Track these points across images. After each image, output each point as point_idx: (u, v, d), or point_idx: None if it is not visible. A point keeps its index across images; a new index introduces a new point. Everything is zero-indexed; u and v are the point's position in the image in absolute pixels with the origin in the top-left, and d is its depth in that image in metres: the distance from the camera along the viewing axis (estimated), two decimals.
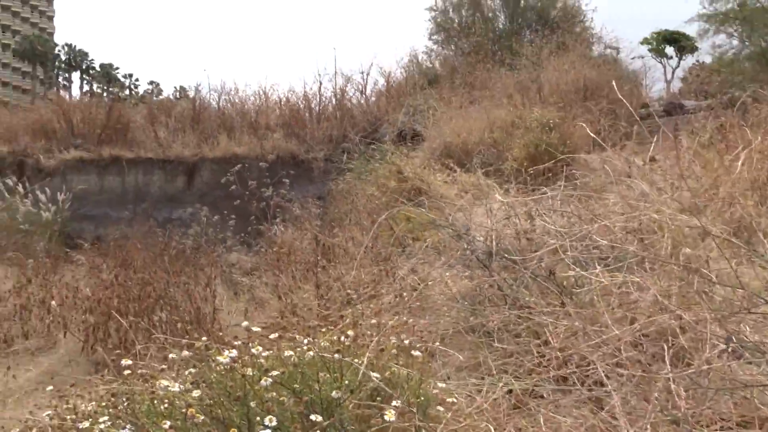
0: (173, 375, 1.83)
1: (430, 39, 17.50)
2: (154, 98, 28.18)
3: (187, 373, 1.77)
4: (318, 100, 13.01)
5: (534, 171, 5.84)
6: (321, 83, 13.17)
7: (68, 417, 1.99)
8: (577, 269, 2.91)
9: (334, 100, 12.94)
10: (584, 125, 6.74)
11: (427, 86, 12.46)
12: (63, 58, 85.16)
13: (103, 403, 1.90)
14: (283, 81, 62.73)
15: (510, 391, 2.33)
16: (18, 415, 3.94)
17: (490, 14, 17.91)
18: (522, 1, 17.77)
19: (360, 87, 13.18)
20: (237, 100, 13.99)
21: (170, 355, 1.96)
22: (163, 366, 2.17)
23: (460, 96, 11.10)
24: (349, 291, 4.50)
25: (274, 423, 1.45)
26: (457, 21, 17.76)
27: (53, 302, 5.27)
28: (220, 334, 4.01)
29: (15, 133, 14.47)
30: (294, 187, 8.47)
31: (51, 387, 2.74)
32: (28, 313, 5.51)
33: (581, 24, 17.17)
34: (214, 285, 5.12)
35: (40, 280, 5.98)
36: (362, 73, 13.30)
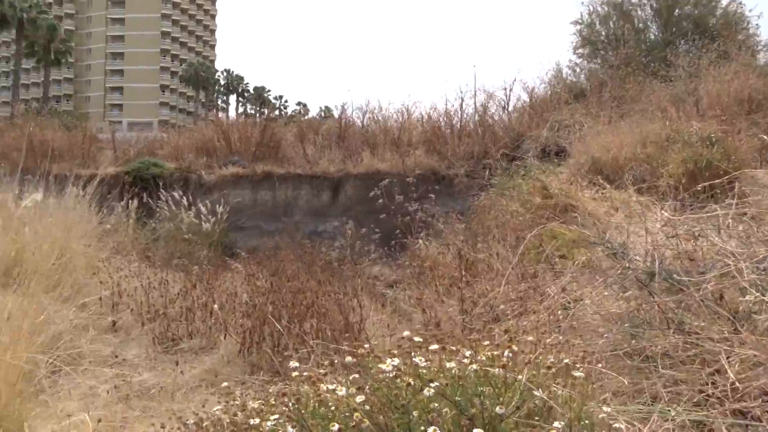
0: (337, 379, 1.90)
1: (574, 53, 17.01)
2: (302, 118, 29.76)
3: (351, 378, 1.83)
4: (459, 116, 13.08)
5: (695, 188, 5.44)
6: (462, 100, 13.20)
7: (238, 413, 2.12)
8: (756, 293, 2.66)
9: (476, 116, 12.93)
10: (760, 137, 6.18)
11: (572, 101, 12.08)
12: (222, 82, 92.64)
13: (272, 401, 2.02)
14: (425, 98, 64.08)
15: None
16: (185, 408, 4.28)
17: (640, 25, 17.08)
18: (676, 10, 16.78)
19: (502, 103, 13.07)
20: (380, 118, 14.41)
21: (335, 360, 2.04)
22: (322, 370, 2.25)
23: (609, 110, 10.64)
24: (496, 306, 4.43)
25: None
26: (604, 33, 17.12)
27: (215, 306, 5.68)
28: (368, 344, 4.12)
29: (181, 151, 15.89)
30: (436, 203, 8.55)
31: (225, 383, 2.94)
32: (193, 315, 5.98)
33: (744, 31, 15.89)
34: (361, 296, 5.27)
35: (203, 285, 6.48)
36: (504, 89, 13.19)
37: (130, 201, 11.73)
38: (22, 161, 14.43)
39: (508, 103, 13.08)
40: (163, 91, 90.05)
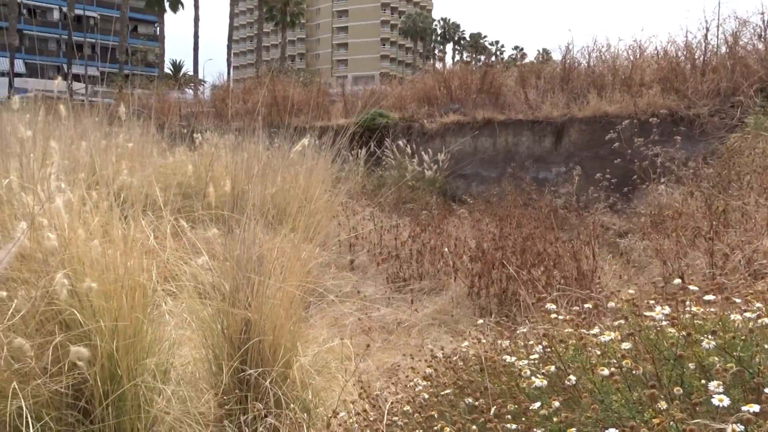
0: (599, 324, 1.84)
1: None
2: (520, 62, 28.85)
3: (616, 324, 1.75)
4: (703, 48, 11.62)
5: None
6: (707, 29, 11.66)
7: (487, 350, 2.16)
8: None
9: (724, 47, 11.40)
10: None
11: None
12: (438, 31, 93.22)
13: (520, 342, 2.03)
14: (661, 32, 58.40)
15: None
16: (421, 343, 4.51)
17: None
18: None
19: (758, 30, 11.32)
20: (608, 57, 13.39)
21: (577, 306, 1.97)
22: (570, 316, 2.19)
23: None
24: (753, 261, 3.96)
25: (721, 390, 1.32)
26: None
27: (445, 249, 5.85)
28: (603, 293, 3.94)
29: (404, 101, 16.41)
30: (674, 146, 7.79)
31: (480, 321, 3.01)
32: (422, 258, 6.24)
33: None
34: (594, 244, 5.04)
35: (431, 229, 6.71)
36: (761, 13, 11.39)
37: (358, 150, 12.48)
38: (267, 116, 16.04)
39: (765, 31, 11.30)
40: (384, 44, 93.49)
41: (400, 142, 13.51)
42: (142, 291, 2.69)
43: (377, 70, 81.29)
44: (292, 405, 2.32)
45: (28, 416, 2.02)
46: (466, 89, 15.07)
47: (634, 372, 1.44)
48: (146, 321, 2.67)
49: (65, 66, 54.39)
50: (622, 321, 1.63)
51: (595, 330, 1.79)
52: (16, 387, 2.09)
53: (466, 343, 2.44)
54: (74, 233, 2.68)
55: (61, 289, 2.28)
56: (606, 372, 1.46)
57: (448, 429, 1.66)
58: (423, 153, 12.95)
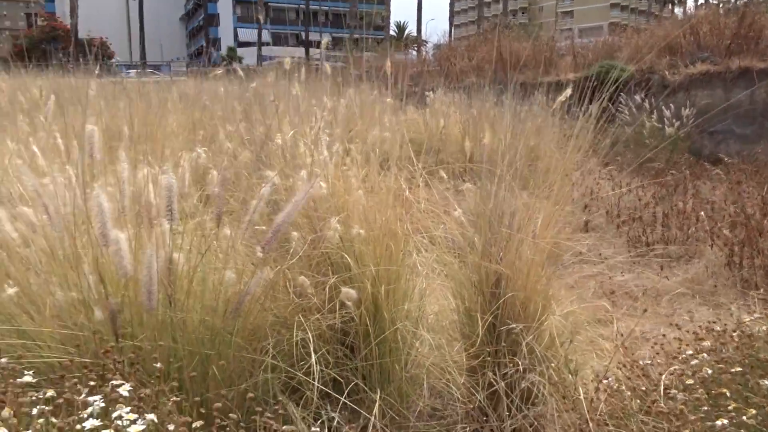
0: None
1: None
2: None
3: None
4: None
5: None
6: None
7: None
8: None
9: None
10: None
11: None
12: None
13: None
14: None
15: None
16: (672, 313, 4.16)
17: None
18: None
19: None
20: None
21: None
22: None
23: None
24: None
25: None
26: None
27: (701, 213, 5.29)
28: None
29: (640, 52, 15.06)
30: None
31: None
32: (668, 221, 5.72)
33: None
34: None
35: (680, 191, 6.11)
36: None
37: (589, 106, 11.78)
38: (492, 73, 15.81)
39: None
40: None
41: (637, 97, 12.46)
42: (399, 240, 2.79)
43: (606, 20, 75.84)
44: (553, 363, 2.26)
45: (312, 345, 2.23)
46: (717, 35, 13.34)
47: None
48: (403, 268, 2.78)
49: (303, 34, 58.87)
50: None
51: None
52: (301, 319, 2.31)
53: (749, 317, 2.15)
54: (340, 182, 2.87)
55: (333, 234, 2.45)
56: None
57: (751, 411, 1.47)
58: (663, 108, 11.81)
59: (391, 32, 58.76)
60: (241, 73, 6.49)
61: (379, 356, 2.55)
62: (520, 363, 2.29)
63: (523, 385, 2.25)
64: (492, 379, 2.38)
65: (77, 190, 2.12)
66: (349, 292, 2.45)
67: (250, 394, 1.91)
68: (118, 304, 1.81)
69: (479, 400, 2.42)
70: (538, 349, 2.33)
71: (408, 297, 2.74)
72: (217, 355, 2.17)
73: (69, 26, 42.83)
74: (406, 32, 69.87)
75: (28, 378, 1.43)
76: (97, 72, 6.81)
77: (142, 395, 1.40)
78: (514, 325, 2.44)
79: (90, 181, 2.04)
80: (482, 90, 10.64)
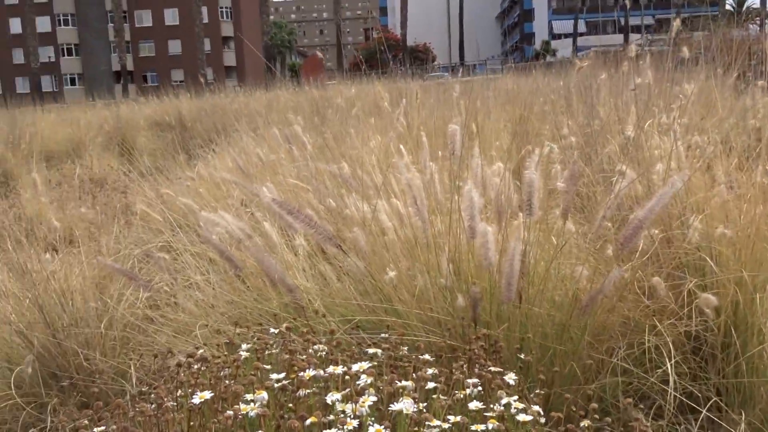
0: None
1: None
2: None
3: None
4: None
5: None
6: None
7: None
8: None
9: None
10: None
11: None
12: None
13: None
14: None
15: None
16: None
17: None
18: None
19: None
20: None
21: None
22: None
23: None
24: None
25: None
26: None
27: None
28: None
29: None
30: None
31: None
32: None
33: None
34: None
35: None
36: None
37: None
38: None
39: None
40: None
41: None
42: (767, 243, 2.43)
43: None
44: None
45: (668, 352, 2.08)
46: None
47: None
48: None
49: (621, 20, 55.63)
50: None
51: None
52: (655, 323, 2.17)
53: None
54: (697, 178, 2.61)
55: (692, 233, 2.24)
56: None
57: None
58: None
59: (728, 7, 51.94)
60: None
61: (736, 374, 2.26)
62: None
63: None
64: None
65: (437, 185, 2.30)
66: (708, 298, 2.21)
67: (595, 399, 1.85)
68: (479, 293, 1.92)
69: None
70: None
71: None
72: (564, 352, 2.15)
73: (399, 36, 47.39)
74: (746, 4, 61.02)
75: (427, 356, 1.60)
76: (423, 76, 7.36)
77: (514, 384, 1.46)
78: None
79: (452, 176, 2.20)
80: None
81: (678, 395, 2.06)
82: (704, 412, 2.05)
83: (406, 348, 1.73)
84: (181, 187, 4.69)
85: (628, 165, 2.37)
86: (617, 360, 2.15)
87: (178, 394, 1.37)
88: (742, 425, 2.11)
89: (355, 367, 1.36)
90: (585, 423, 1.43)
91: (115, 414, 1.42)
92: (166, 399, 1.34)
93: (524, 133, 6.23)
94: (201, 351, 1.60)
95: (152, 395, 1.46)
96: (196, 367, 1.49)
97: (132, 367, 2.66)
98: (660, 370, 2.15)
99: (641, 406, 2.22)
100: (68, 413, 1.97)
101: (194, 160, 7.46)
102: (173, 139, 11.13)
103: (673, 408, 2.06)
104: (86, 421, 1.40)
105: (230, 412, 1.22)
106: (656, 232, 2.36)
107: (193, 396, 1.29)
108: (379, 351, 1.58)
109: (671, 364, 2.09)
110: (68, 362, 2.89)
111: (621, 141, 2.84)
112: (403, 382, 1.33)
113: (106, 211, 5.18)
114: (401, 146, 2.61)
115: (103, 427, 1.45)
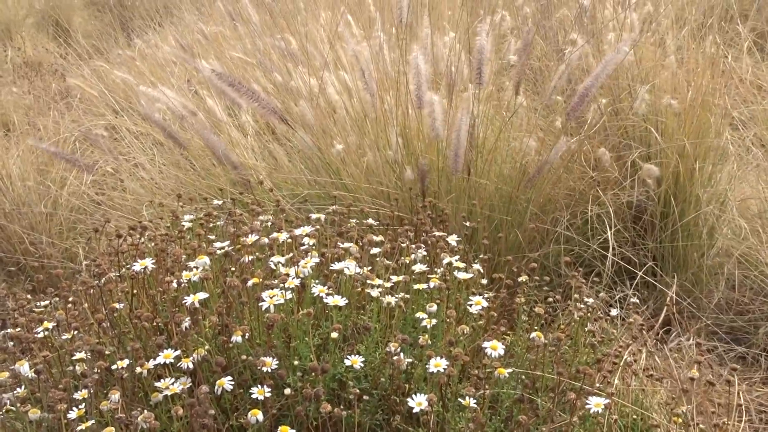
0: None
1: None
2: None
3: None
4: None
5: None
6: None
7: None
8: None
9: None
10: None
11: None
12: None
13: None
14: None
15: None
16: None
17: None
18: None
19: None
20: None
21: None
22: None
23: None
24: None
25: None
26: None
27: None
28: None
29: None
30: None
31: None
32: None
33: None
34: None
35: None
36: None
37: None
38: None
39: None
40: None
41: None
42: (713, 113, 2.48)
43: None
44: None
45: (611, 219, 2.15)
46: None
47: None
48: (712, 147, 2.48)
49: None
50: None
51: None
52: (599, 193, 2.22)
53: None
54: (646, 49, 2.60)
55: (640, 104, 2.25)
56: None
57: None
58: None
59: None
60: None
61: (672, 240, 2.37)
62: None
63: None
64: None
65: (386, 56, 2.23)
66: (651, 169, 2.27)
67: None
68: (427, 165, 1.92)
69: None
70: None
71: (714, 179, 2.46)
72: (509, 222, 2.20)
73: None
74: None
75: (371, 221, 1.61)
76: None
77: (457, 249, 1.49)
78: None
79: (398, 47, 2.12)
80: None
81: (617, 260, 2.15)
82: (640, 274, 2.15)
83: (354, 220, 1.74)
84: (120, 67, 4.46)
85: (579, 34, 2.32)
86: (561, 229, 2.22)
87: (121, 266, 1.36)
88: (674, 287, 2.23)
89: (298, 231, 1.37)
90: (523, 278, 1.48)
91: (59, 288, 1.41)
92: (108, 270, 1.33)
93: (478, 2, 6.03)
94: (142, 222, 1.57)
95: (95, 269, 1.45)
96: (138, 237, 1.48)
97: (81, 250, 2.64)
98: (601, 238, 2.24)
99: (581, 269, 2.32)
100: (14, 294, 1.96)
101: (135, 41, 7.08)
102: (112, 20, 10.44)
103: (611, 272, 2.16)
104: (29, 296, 1.39)
105: (172, 278, 1.22)
106: (604, 102, 2.37)
107: (134, 264, 1.28)
108: (323, 216, 1.58)
109: (611, 233, 2.17)
110: (14, 247, 2.85)
111: (576, 11, 2.77)
112: (347, 244, 1.34)
113: (44, 96, 4.94)
114: (350, 18, 2.50)
115: (47, 302, 1.45)
